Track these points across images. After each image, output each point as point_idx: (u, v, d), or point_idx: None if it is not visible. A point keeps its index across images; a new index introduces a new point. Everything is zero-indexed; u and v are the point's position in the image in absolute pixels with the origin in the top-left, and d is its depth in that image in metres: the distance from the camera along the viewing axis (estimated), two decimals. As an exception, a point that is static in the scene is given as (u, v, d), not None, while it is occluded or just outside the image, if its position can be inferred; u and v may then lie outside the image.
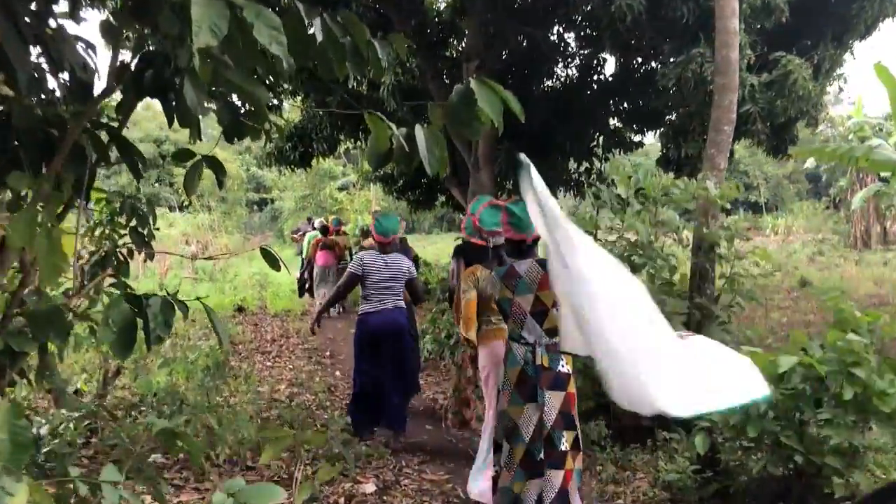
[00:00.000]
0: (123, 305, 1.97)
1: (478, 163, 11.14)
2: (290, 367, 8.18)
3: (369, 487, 4.32)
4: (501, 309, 3.55)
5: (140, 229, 5.71)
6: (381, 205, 24.00)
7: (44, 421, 4.69)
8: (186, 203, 30.49)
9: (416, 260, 6.31)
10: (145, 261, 18.18)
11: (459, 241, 5.74)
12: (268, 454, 2.26)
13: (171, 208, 26.72)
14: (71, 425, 4.60)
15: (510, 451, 3.37)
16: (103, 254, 5.97)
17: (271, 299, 13.87)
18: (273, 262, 2.69)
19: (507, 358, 3.46)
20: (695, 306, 4.94)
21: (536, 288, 3.37)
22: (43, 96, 2.28)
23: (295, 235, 17.79)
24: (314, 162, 13.22)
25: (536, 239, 3.48)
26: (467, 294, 4.07)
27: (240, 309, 12.52)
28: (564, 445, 3.32)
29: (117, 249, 5.81)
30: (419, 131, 2.26)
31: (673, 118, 10.18)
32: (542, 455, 3.28)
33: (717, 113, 5.12)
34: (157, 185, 33.83)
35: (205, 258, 4.60)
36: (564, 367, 3.38)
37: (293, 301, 13.73)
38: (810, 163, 24.91)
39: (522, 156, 3.05)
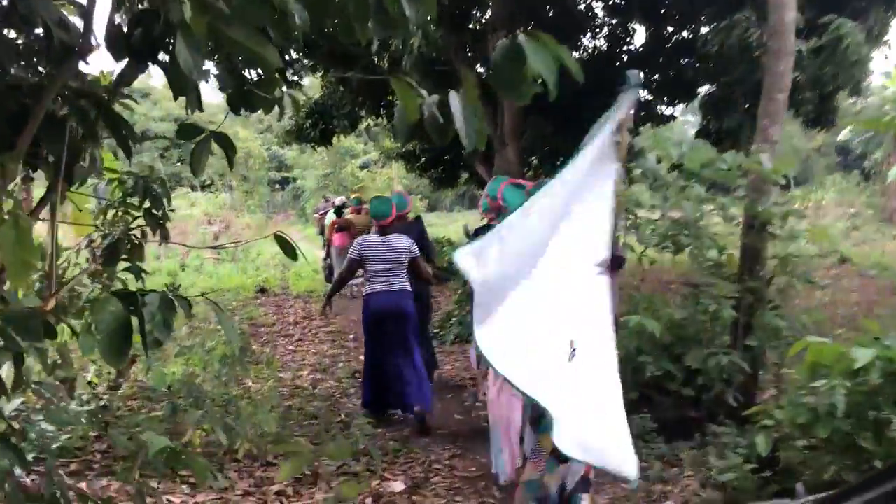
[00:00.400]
0: (112, 307, 1.68)
1: (504, 138, 10.75)
2: (314, 350, 7.94)
3: (398, 486, 4.04)
4: None
5: (154, 211, 5.43)
6: (402, 183, 23.69)
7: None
8: (209, 182, 30.44)
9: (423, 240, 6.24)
10: (161, 244, 18.05)
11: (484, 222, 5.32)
12: (286, 472, 1.96)
13: (192, 188, 26.60)
14: (83, 420, 4.38)
15: (537, 441, 3.16)
16: (116, 238, 5.69)
17: (293, 279, 13.66)
18: (289, 250, 2.40)
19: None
20: (746, 290, 4.57)
21: None
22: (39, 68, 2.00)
23: (317, 215, 17.58)
24: (335, 139, 12.89)
25: None
26: None
27: (262, 290, 12.33)
28: None
29: (130, 233, 5.53)
30: (454, 98, 1.92)
31: (711, 89, 9.69)
32: None
33: (771, 79, 4.70)
34: (178, 164, 33.75)
35: (215, 247, 4.32)
36: None
37: (315, 281, 13.51)
38: (844, 134, 24.14)
39: (635, 73, 2.75)
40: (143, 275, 5.49)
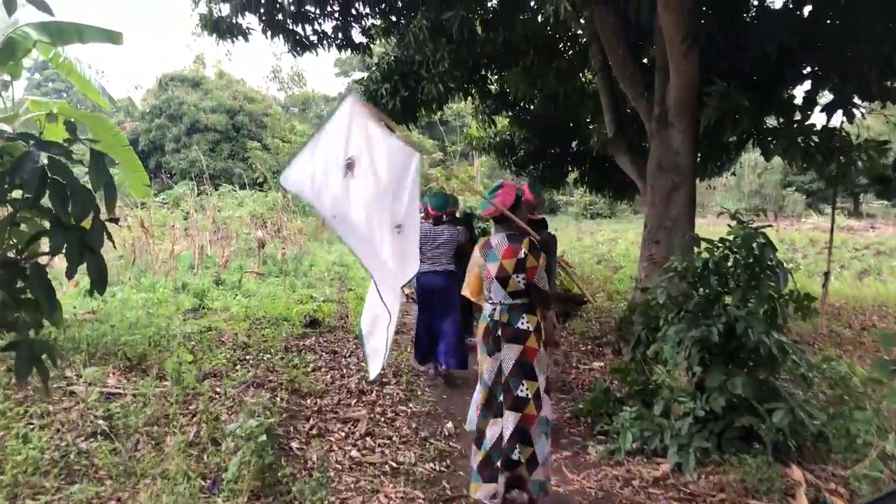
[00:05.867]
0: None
1: (666, 115, 7.31)
2: (393, 463, 4.61)
3: None
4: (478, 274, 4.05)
5: (69, 220, 2.76)
6: (483, 182, 20.32)
7: None
8: (261, 180, 27.71)
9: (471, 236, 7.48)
10: (202, 252, 14.09)
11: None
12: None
13: (241, 186, 23.74)
14: None
15: (479, 392, 3.97)
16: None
17: (355, 306, 10.41)
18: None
19: (480, 315, 4.00)
20: None
21: (501, 256, 3.82)
22: None
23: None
24: (419, 115, 9.43)
25: (500, 215, 3.91)
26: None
27: (313, 322, 9.08)
28: (523, 392, 3.74)
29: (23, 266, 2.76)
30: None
31: None
32: (501, 398, 3.79)
33: None
34: (229, 160, 31.06)
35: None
36: (524, 324, 3.79)
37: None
38: None
39: None
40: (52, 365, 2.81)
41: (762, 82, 7.28)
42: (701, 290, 5.04)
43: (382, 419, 5.45)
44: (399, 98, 8.12)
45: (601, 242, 22.38)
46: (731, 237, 5.01)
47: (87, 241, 2.75)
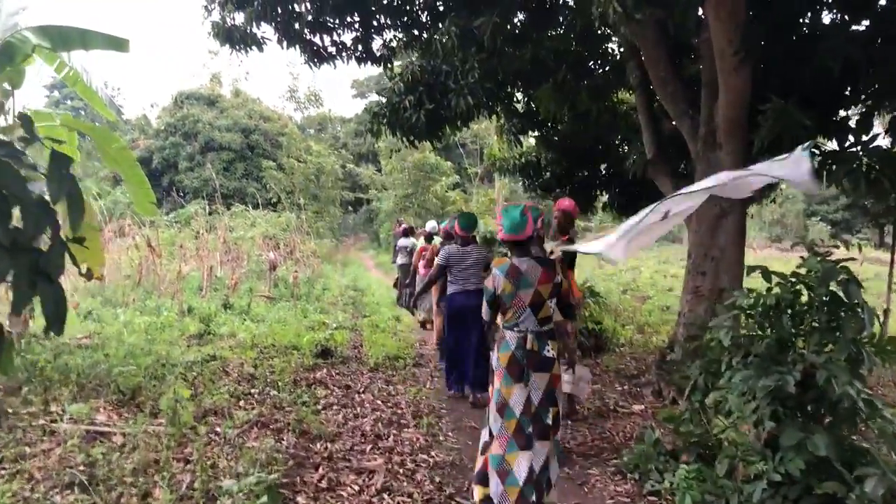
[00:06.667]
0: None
1: (713, 135, 6.71)
2: (415, 527, 3.97)
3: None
4: (500, 301, 3.92)
5: (9, 239, 2.68)
6: (500, 204, 19.82)
7: None
8: (275, 200, 27.33)
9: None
10: (211, 273, 13.43)
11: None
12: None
13: (254, 206, 23.26)
14: None
15: (503, 423, 3.80)
16: None
17: (369, 334, 9.79)
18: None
19: (500, 344, 3.91)
20: None
21: (536, 283, 3.81)
22: None
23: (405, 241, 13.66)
24: (444, 132, 8.81)
25: (529, 238, 3.91)
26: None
27: (325, 352, 8.45)
28: (548, 419, 3.80)
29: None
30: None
31: None
32: (530, 429, 3.76)
33: None
34: (243, 180, 30.66)
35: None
36: (550, 352, 3.85)
37: (400, 339, 9.62)
38: None
39: None
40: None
41: (820, 100, 6.65)
42: (770, 331, 4.38)
43: (401, 471, 4.80)
44: (424, 111, 7.53)
45: (623, 270, 21.70)
46: (805, 271, 4.36)
47: (41, 266, 2.17)
